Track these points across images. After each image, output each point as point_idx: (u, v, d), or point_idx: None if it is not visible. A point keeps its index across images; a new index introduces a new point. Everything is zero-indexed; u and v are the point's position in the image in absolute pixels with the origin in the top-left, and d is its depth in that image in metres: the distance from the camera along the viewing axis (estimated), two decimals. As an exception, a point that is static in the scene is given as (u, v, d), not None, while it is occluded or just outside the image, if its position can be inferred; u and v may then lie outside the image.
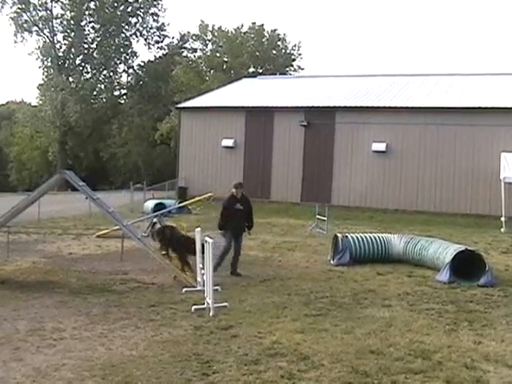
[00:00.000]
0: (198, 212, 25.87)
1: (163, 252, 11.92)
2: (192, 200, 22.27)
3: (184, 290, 10.39)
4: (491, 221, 23.53)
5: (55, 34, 60.91)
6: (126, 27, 62.64)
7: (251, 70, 58.22)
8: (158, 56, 65.62)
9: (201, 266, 10.20)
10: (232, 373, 6.40)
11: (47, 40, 60.59)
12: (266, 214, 23.38)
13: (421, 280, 11.91)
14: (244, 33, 59.95)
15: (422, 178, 28.01)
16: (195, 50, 63.54)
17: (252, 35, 59.83)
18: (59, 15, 60.92)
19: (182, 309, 9.17)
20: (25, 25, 60.03)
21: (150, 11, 62.95)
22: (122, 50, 63.06)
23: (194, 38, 63.18)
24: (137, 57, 64.73)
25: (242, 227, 12.55)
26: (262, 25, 60.01)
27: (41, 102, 62.69)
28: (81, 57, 62.17)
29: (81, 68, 62.64)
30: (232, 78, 50.34)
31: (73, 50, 61.30)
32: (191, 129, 33.17)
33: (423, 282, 11.67)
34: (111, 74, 63.86)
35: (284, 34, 61.70)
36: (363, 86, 33.70)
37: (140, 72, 64.94)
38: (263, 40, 60.24)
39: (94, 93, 63.12)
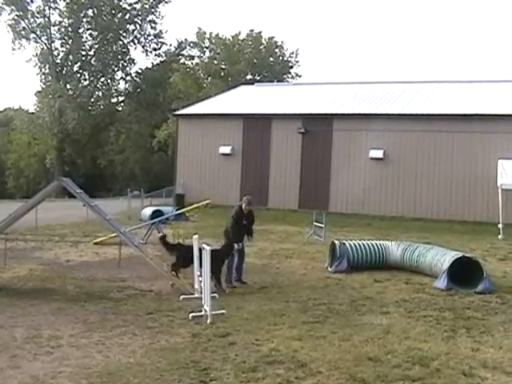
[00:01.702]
0: (195, 219, 25.86)
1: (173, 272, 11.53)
2: (190, 207, 22.26)
3: (181, 297, 10.37)
4: (489, 227, 23.52)
5: (53, 41, 61.06)
6: (124, 34, 62.80)
7: (249, 77, 58.36)
8: (155, 63, 65.84)
9: (198, 273, 10.18)
10: (230, 380, 6.39)
11: (45, 47, 60.71)
12: (264, 221, 23.24)
13: (418, 287, 11.91)
14: (241, 40, 60.11)
15: (419, 184, 28.04)
16: (193, 57, 63.68)
17: (249, 42, 60.01)
18: (57, 22, 61.13)
19: (180, 316, 9.15)
20: (23, 32, 60.16)
21: (148, 18, 63.15)
22: (119, 57, 63.22)
23: (191, 45, 63.35)
24: (134, 64, 64.93)
25: (243, 238, 12.48)
26: (260, 32, 60.23)
27: (38, 109, 62.74)
28: (78, 64, 62.29)
29: (78, 75, 62.73)
30: (229, 85, 50.42)
31: (70, 57, 61.43)
32: (189, 136, 33.18)
33: (421, 289, 11.67)
34: (109, 81, 63.99)
35: (281, 42, 62.03)
36: (360, 93, 33.77)
37: (137, 79, 65.04)
38: (261, 47, 60.41)
39: (92, 100, 63.24)
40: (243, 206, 12.32)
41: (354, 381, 6.37)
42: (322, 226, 19.72)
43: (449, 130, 27.52)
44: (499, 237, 21.68)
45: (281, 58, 62.05)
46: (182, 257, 11.48)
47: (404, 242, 15.06)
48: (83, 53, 62.03)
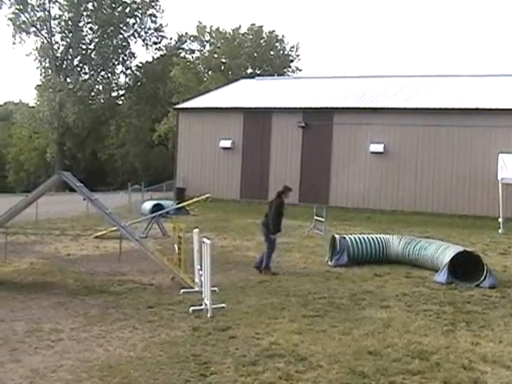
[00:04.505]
0: (195, 213, 25.87)
1: None
2: (190, 201, 22.25)
3: (182, 291, 10.37)
4: (489, 222, 23.54)
5: (53, 35, 60.99)
6: (124, 28, 62.74)
7: (249, 70, 58.32)
8: (155, 57, 65.87)
9: (199, 267, 10.18)
10: (230, 374, 6.40)
11: (45, 41, 60.64)
12: (264, 214, 23.11)
13: (418, 281, 11.91)
14: (242, 34, 60.02)
15: (419, 178, 28.03)
16: (193, 51, 63.71)
17: (250, 36, 59.93)
18: (57, 16, 61.07)
19: (180, 310, 9.15)
20: (23, 26, 60.08)
21: (148, 12, 63.09)
22: (119, 50, 63.15)
23: (191, 38, 63.33)
24: (135, 58, 64.90)
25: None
26: (261, 26, 60.13)
27: (39, 103, 62.68)
28: (79, 58, 62.23)
29: (79, 69, 62.68)
30: (230, 78, 50.38)
31: (71, 50, 61.36)
32: (189, 130, 33.15)
33: (421, 283, 11.67)
34: (109, 74, 63.95)
35: (282, 36, 62.03)
36: (361, 87, 33.71)
37: (138, 73, 65.01)
38: (261, 41, 60.32)
39: (92, 94, 63.22)
40: (283, 195, 13.23)
41: (354, 374, 6.37)
42: (323, 219, 19.71)
43: (449, 124, 27.48)
44: (499, 231, 21.69)
45: (281, 51, 61.98)
46: None
47: (405, 236, 15.06)
48: (83, 47, 61.96)
